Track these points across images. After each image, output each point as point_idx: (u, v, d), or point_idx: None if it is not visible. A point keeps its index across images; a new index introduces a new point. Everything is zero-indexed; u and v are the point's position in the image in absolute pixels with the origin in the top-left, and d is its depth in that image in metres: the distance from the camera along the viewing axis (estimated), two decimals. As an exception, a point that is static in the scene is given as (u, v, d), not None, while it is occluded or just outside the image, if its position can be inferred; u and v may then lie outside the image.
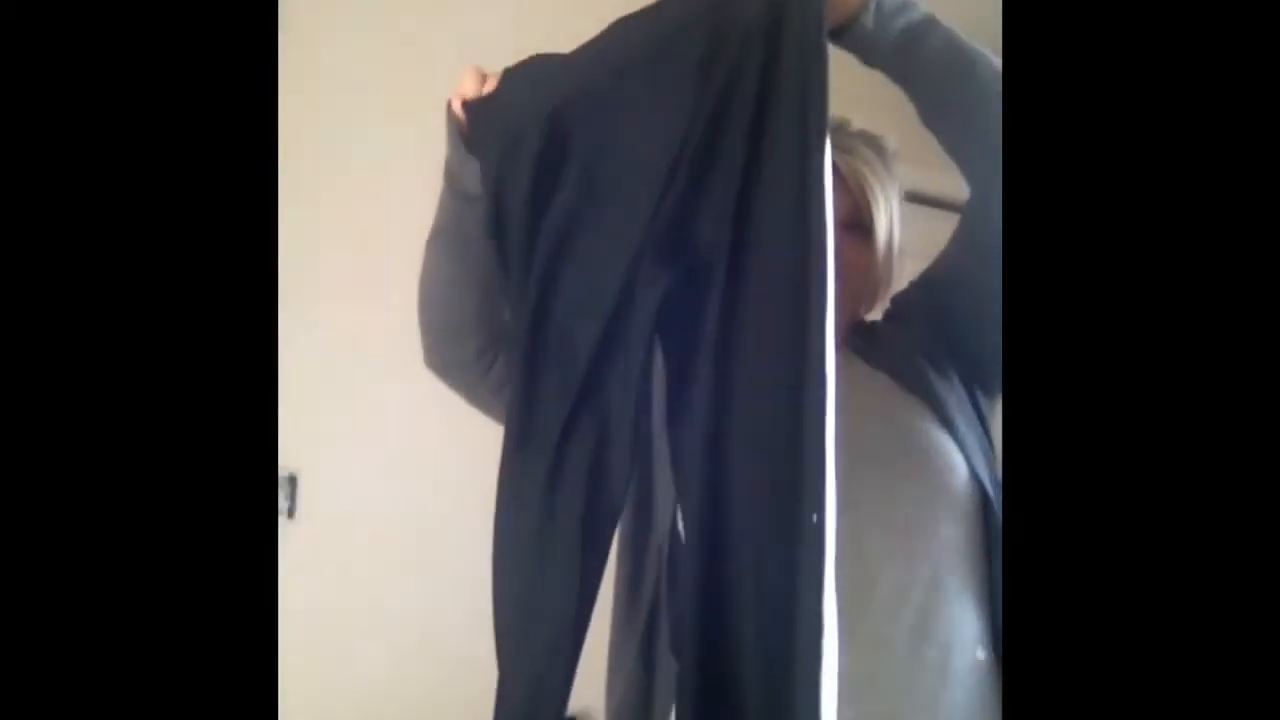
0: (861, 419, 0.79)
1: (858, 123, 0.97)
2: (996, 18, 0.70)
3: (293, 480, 1.60)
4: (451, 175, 0.86)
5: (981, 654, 0.78)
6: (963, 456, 0.82)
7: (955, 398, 0.85)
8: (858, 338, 0.94)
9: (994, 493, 0.80)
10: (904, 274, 2.51)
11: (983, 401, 0.89)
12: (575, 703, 0.99)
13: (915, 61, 0.76)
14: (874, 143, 0.95)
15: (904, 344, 0.89)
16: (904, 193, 0.96)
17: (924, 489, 0.80)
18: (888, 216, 0.91)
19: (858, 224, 0.91)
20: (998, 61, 0.75)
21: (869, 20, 0.73)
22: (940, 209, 2.59)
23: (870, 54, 0.77)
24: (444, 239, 0.87)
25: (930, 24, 0.76)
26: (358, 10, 1.82)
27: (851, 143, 0.93)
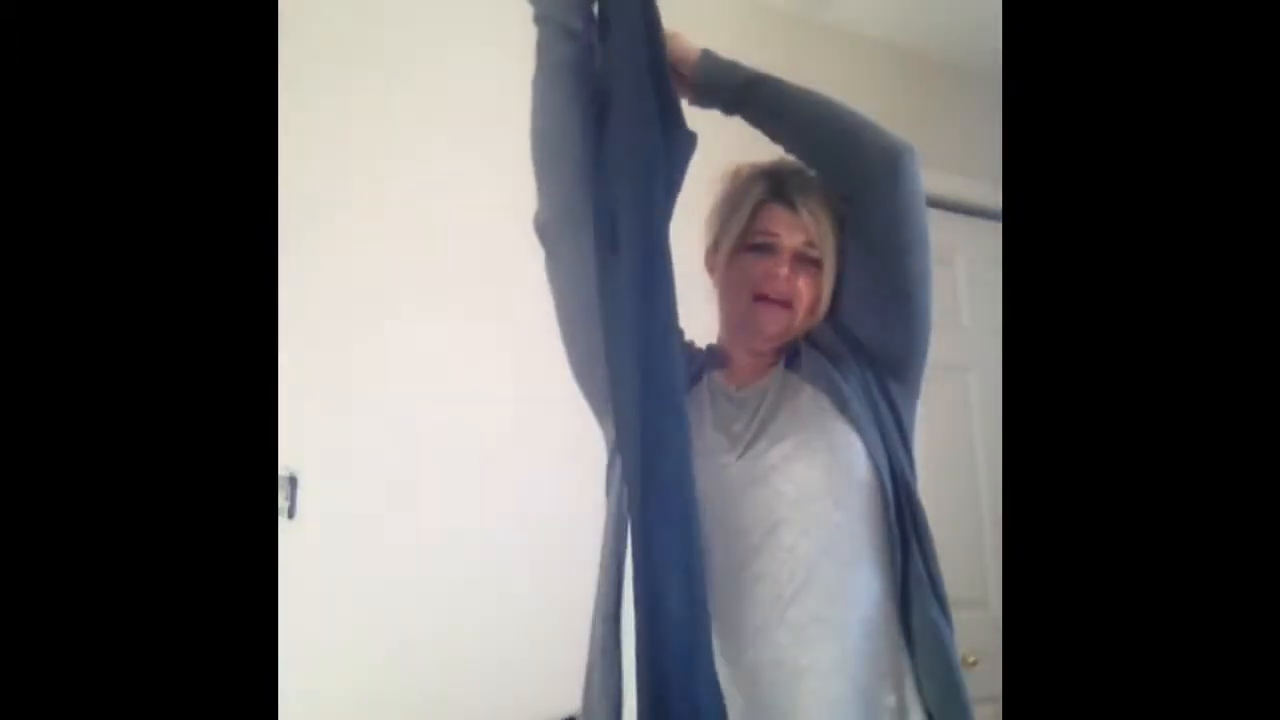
0: (777, 411, 0.97)
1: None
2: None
3: (293, 480, 1.60)
4: (548, 16, 0.98)
5: (872, 610, 0.89)
6: (860, 439, 0.93)
7: (859, 393, 0.96)
8: (792, 355, 1.04)
9: (888, 475, 0.93)
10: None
11: (895, 390, 1.00)
12: (571, 705, 0.99)
13: (752, 105, 0.99)
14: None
15: (818, 352, 1.01)
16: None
17: (824, 464, 0.92)
18: (836, 253, 1.02)
19: (810, 257, 1.02)
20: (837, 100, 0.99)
21: (703, 80, 0.97)
22: (939, 209, 2.60)
23: (718, 105, 0.99)
24: (542, 75, 0.97)
25: (759, 77, 0.99)
26: (357, 13, 1.82)
27: (809, 184, 1.03)
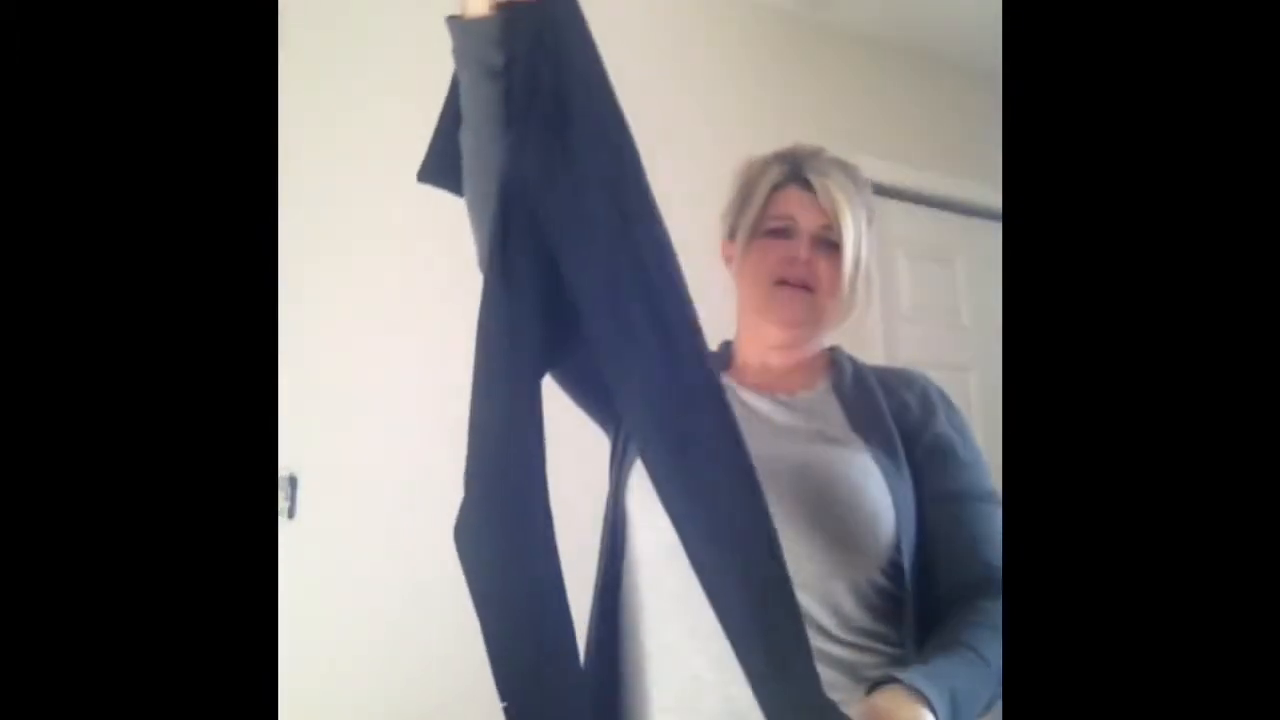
0: (812, 440, 0.93)
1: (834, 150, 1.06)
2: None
3: (293, 480, 1.60)
4: (470, 55, 0.84)
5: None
6: (889, 494, 0.89)
7: (896, 469, 0.91)
8: (844, 382, 1.01)
9: (909, 544, 0.88)
10: (898, 274, 2.50)
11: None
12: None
13: None
14: (848, 169, 1.02)
15: (876, 419, 0.96)
16: (875, 209, 1.05)
17: (847, 504, 0.88)
18: (856, 234, 0.98)
19: (828, 240, 0.99)
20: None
21: None
22: (939, 209, 2.61)
23: None
24: (469, 123, 0.86)
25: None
26: (356, 15, 1.82)
27: (827, 166, 1.01)
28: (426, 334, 1.74)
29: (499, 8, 0.78)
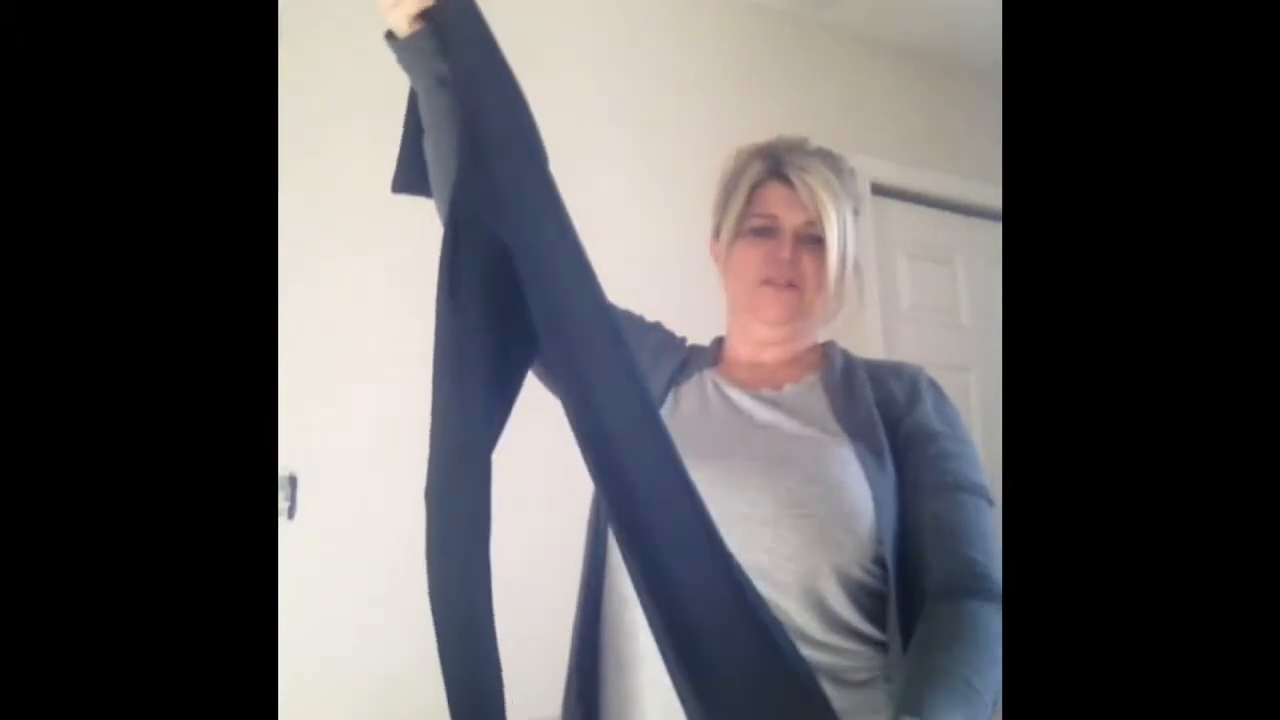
0: (794, 436, 0.92)
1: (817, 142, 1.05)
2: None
3: (293, 480, 1.60)
4: (416, 69, 0.84)
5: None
6: (868, 488, 0.88)
7: (878, 462, 0.90)
8: (833, 375, 1.00)
9: (891, 538, 0.87)
10: (898, 273, 2.51)
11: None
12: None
13: None
14: (831, 161, 1.01)
15: (860, 412, 0.95)
16: (865, 203, 1.01)
17: (825, 501, 0.87)
18: (840, 229, 0.97)
19: (812, 236, 0.98)
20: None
21: None
22: (939, 209, 2.61)
23: None
24: (429, 132, 0.86)
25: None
26: (357, 12, 1.82)
27: (808, 160, 0.99)
28: (427, 334, 1.74)
29: (424, 19, 0.77)
